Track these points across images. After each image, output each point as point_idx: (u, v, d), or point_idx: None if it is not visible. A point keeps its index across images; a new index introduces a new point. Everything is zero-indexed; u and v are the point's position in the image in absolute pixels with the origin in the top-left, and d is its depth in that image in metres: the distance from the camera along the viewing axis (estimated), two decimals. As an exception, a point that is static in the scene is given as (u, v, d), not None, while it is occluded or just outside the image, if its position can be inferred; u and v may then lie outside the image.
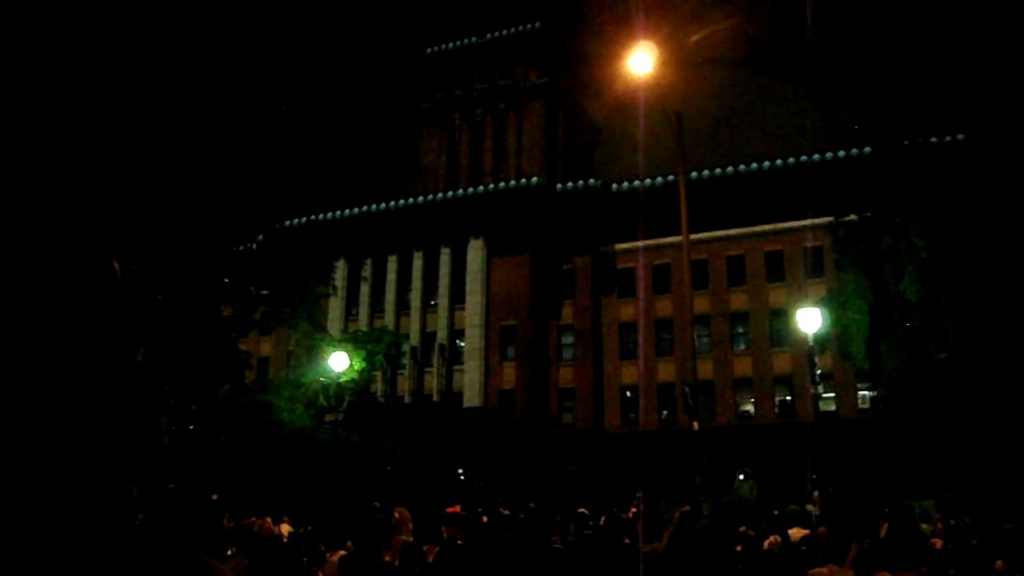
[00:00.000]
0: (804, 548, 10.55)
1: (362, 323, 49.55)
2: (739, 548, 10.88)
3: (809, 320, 19.38)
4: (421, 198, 51.08)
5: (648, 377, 44.96)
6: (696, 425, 15.60)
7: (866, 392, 40.41)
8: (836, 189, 35.49)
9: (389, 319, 49.66)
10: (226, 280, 32.46)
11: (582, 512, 16.43)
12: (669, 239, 41.68)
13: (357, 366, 37.44)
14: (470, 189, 50.45)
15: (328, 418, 34.22)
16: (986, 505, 18.93)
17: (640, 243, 44.86)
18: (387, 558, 7.39)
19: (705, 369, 42.05)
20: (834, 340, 31.49)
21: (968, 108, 35.93)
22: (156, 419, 28.75)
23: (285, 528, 15.91)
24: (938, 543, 11.74)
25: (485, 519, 15.32)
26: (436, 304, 50.01)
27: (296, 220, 51.80)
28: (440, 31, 57.65)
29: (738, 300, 45.27)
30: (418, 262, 50.84)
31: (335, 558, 8.32)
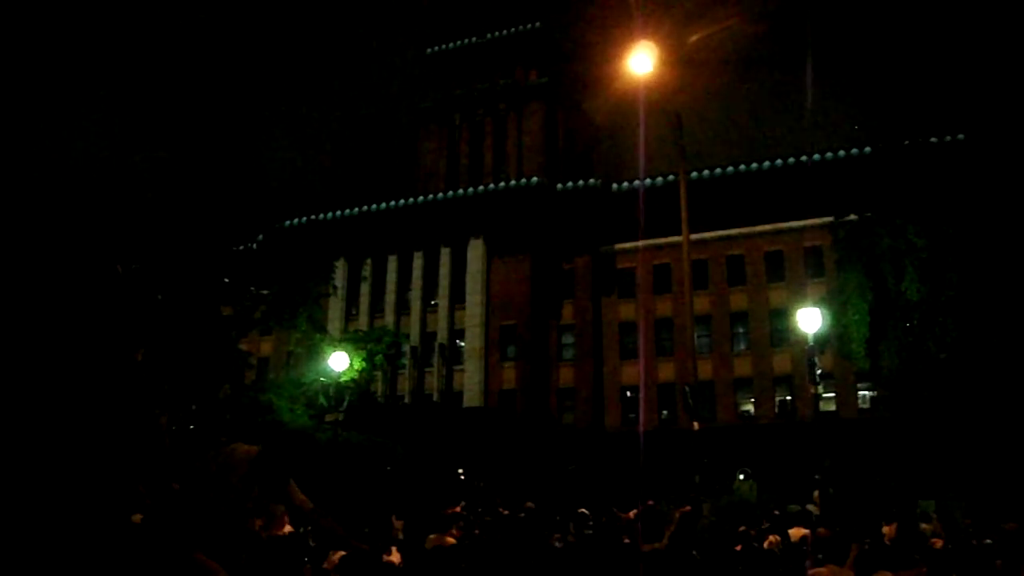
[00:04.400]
0: (804, 548, 10.55)
1: (362, 323, 49.54)
2: (739, 548, 10.89)
3: (809, 320, 19.36)
4: (421, 198, 51.06)
5: (648, 377, 44.95)
6: (696, 425, 15.59)
7: (866, 392, 40.41)
8: (836, 189, 35.50)
9: (389, 319, 49.65)
10: (226, 280, 32.46)
11: (582, 512, 16.43)
12: (669, 239, 41.69)
13: (357, 366, 37.41)
14: (470, 189, 50.43)
15: (328, 418, 34.18)
16: (986, 505, 18.91)
17: (640, 243, 44.90)
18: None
19: (705, 369, 42.04)
20: (834, 340, 31.48)
21: (968, 108, 35.94)
22: (156, 419, 28.76)
23: (285, 528, 15.86)
24: (938, 543, 11.74)
25: (486, 519, 15.33)
26: (436, 304, 50.01)
27: (296, 220, 51.84)
28: (440, 31, 57.64)
29: (738, 300, 45.26)
30: (418, 262, 50.83)
31: (335, 558, 8.32)
